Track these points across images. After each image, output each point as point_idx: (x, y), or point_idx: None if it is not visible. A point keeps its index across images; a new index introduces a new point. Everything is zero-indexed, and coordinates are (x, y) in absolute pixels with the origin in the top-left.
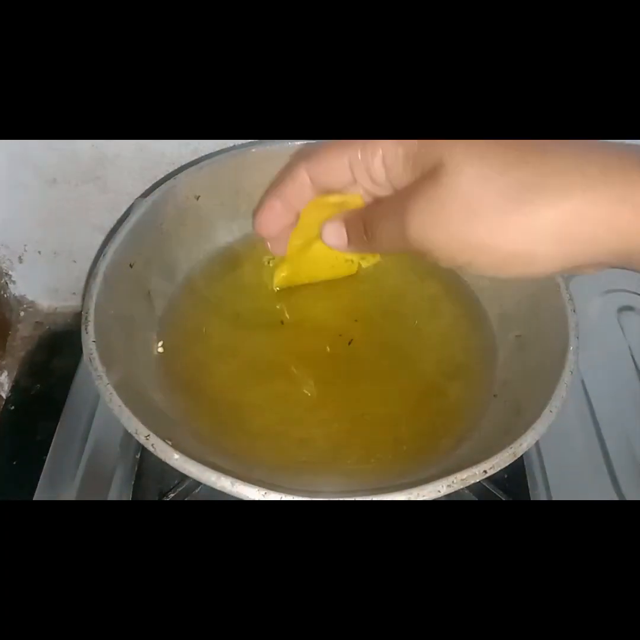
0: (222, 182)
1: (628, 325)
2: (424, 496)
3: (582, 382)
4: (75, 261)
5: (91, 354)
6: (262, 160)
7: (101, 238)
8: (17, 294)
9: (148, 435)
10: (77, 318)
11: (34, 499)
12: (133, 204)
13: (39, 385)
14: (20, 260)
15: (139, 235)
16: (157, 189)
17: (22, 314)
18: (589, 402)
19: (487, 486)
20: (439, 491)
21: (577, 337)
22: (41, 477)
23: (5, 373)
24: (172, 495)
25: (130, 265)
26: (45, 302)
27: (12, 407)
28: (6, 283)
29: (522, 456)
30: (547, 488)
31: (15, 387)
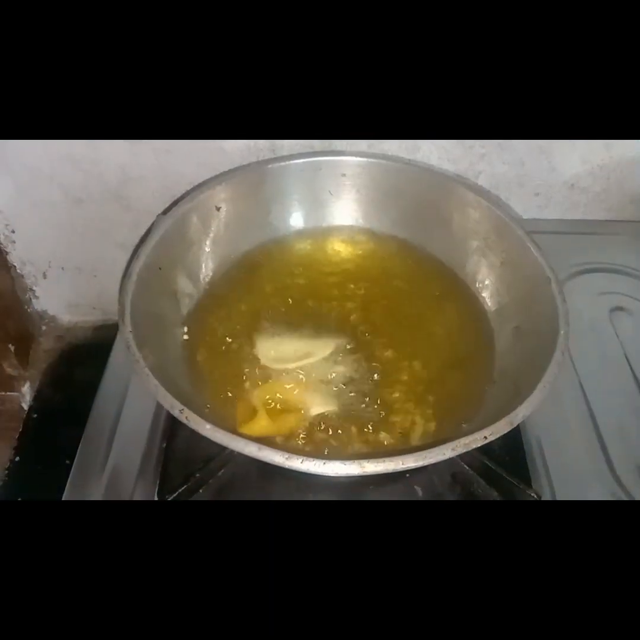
0: (241, 195)
1: (620, 324)
2: (431, 459)
3: (578, 377)
4: (96, 276)
5: (129, 341)
6: (277, 174)
7: (123, 255)
8: (39, 309)
9: (182, 409)
10: (97, 332)
11: (68, 482)
12: (155, 220)
13: (60, 395)
14: (44, 276)
15: (168, 241)
16: (183, 201)
17: (44, 328)
18: (585, 397)
19: (490, 464)
20: (445, 454)
21: (568, 324)
22: (76, 458)
23: (28, 384)
24: (198, 475)
25: (160, 268)
26: (66, 316)
27: (35, 415)
28: (30, 298)
29: (523, 446)
30: (548, 475)
31: (37, 397)
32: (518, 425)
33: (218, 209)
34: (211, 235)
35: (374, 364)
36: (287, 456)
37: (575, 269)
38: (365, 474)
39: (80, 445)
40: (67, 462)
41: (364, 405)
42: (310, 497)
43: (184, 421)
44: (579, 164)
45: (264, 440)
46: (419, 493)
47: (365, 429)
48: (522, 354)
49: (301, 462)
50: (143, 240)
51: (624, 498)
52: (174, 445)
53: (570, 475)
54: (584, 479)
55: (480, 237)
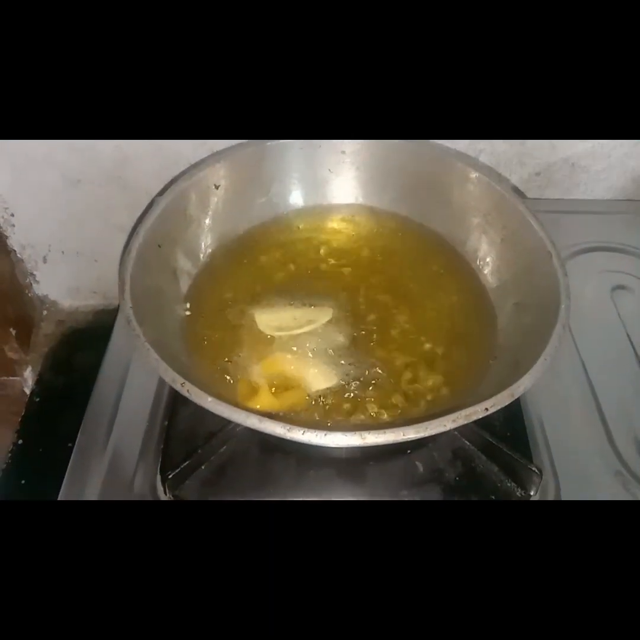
0: (240, 173)
1: (621, 303)
2: (431, 430)
3: (580, 354)
4: (96, 260)
5: (129, 317)
6: (276, 153)
7: (122, 238)
8: (40, 294)
9: (183, 383)
10: (98, 316)
11: (70, 460)
12: (152, 201)
13: (61, 378)
14: (44, 260)
15: (167, 219)
16: (182, 179)
17: (45, 312)
18: (587, 374)
19: (491, 440)
20: (445, 425)
21: (569, 297)
22: (78, 437)
23: (29, 368)
24: (199, 451)
25: (159, 246)
26: (66, 301)
27: (37, 399)
28: (30, 283)
29: (524, 422)
30: (549, 450)
31: (39, 381)
32: (519, 402)
33: (217, 186)
34: (210, 213)
35: (374, 338)
36: (288, 428)
37: (576, 248)
38: (366, 445)
39: (82, 424)
40: (69, 444)
41: (365, 379)
42: (311, 473)
43: (186, 394)
44: (580, 143)
45: (266, 413)
46: (420, 468)
47: (367, 402)
48: (524, 329)
49: (302, 434)
50: (142, 217)
51: (625, 473)
52: (175, 424)
53: (571, 450)
54: (584, 454)
55: (480, 213)
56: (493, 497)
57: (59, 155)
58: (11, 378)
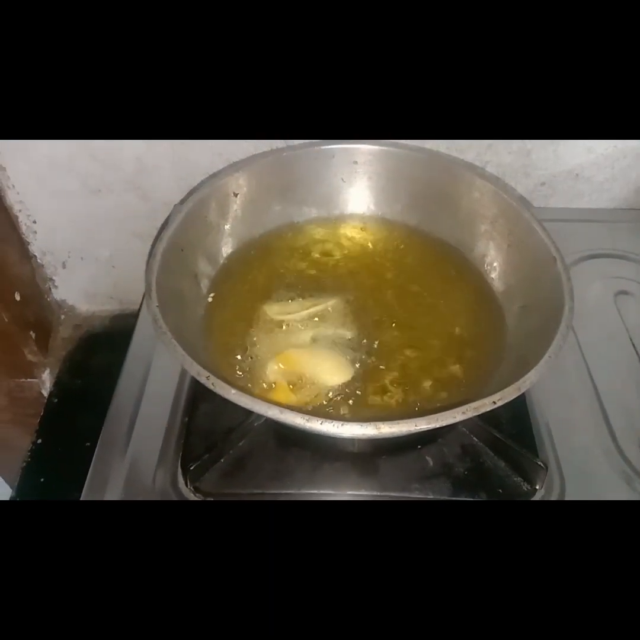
0: (257, 182)
1: (624, 307)
2: (443, 421)
3: (583, 357)
4: (114, 267)
5: (156, 315)
6: (292, 162)
7: (139, 245)
8: (58, 299)
9: (208, 376)
10: (114, 321)
11: (94, 456)
12: (173, 210)
13: (78, 381)
14: (63, 266)
15: (189, 224)
16: (202, 187)
17: (62, 317)
18: (590, 375)
19: (498, 436)
20: (455, 417)
21: (573, 300)
22: (101, 434)
23: (47, 370)
24: (219, 445)
25: (182, 250)
26: (84, 306)
27: (56, 400)
28: (49, 288)
29: (530, 420)
30: (554, 447)
31: (57, 383)
32: (525, 402)
33: (236, 194)
34: (229, 219)
35: (387, 335)
36: (307, 418)
37: (580, 255)
38: (380, 435)
39: (104, 423)
40: (87, 444)
41: (379, 375)
42: (326, 466)
43: (210, 387)
44: (583, 154)
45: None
46: (430, 463)
47: (380, 397)
48: (529, 331)
49: (320, 424)
50: (166, 223)
51: (628, 470)
52: (195, 420)
53: (576, 449)
54: (588, 451)
55: (488, 220)
56: (500, 490)
57: (81, 165)
58: (29, 380)
